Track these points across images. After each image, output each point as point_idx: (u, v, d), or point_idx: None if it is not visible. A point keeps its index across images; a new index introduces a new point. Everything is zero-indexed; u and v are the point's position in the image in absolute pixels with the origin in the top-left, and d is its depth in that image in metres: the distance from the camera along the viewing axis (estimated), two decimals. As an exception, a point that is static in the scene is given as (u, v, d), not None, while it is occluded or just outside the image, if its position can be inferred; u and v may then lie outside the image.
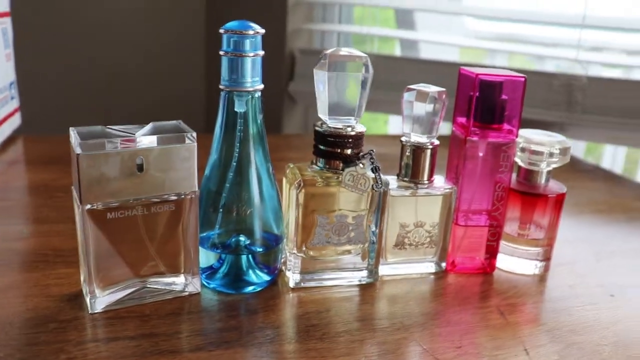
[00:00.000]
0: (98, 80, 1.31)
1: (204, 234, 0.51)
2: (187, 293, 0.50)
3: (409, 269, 0.56)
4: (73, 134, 0.45)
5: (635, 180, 0.98)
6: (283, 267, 0.54)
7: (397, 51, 1.26)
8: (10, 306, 0.47)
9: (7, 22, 0.87)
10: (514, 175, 0.57)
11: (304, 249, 0.51)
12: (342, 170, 0.50)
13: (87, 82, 1.30)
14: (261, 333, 0.46)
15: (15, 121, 0.91)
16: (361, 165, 0.50)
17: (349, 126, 0.50)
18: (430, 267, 0.57)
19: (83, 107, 1.30)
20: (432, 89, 0.52)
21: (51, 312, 0.47)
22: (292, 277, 0.52)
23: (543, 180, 0.56)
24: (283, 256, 0.54)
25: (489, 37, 1.16)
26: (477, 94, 0.52)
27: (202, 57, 1.39)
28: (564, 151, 0.55)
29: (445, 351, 0.45)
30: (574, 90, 0.97)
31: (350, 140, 0.50)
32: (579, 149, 1.11)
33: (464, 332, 0.47)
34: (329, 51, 0.49)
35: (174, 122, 0.49)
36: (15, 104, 0.90)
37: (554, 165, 0.56)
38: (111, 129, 0.46)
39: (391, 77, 1.06)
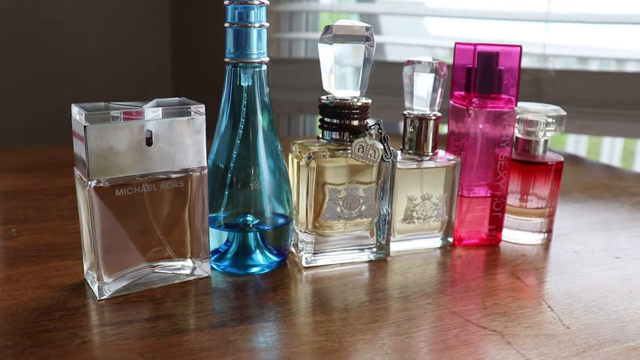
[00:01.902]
0: (62, 81, 1.29)
1: (212, 215, 0.49)
2: (196, 276, 0.48)
3: (416, 244, 0.56)
4: (76, 109, 0.43)
5: (610, 164, 1.02)
6: (293, 249, 0.53)
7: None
8: (10, 298, 0.44)
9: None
10: (511, 148, 0.58)
11: (316, 225, 0.50)
12: (350, 141, 0.49)
13: (52, 86, 1.27)
14: (282, 308, 0.44)
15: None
16: (369, 135, 0.49)
17: (354, 97, 0.50)
18: (437, 242, 0.56)
19: (50, 114, 1.27)
20: (432, 60, 0.52)
21: (56, 302, 0.44)
22: (304, 256, 0.51)
23: (541, 151, 0.57)
24: (292, 239, 0.52)
25: (451, 37, 1.19)
26: (476, 64, 0.53)
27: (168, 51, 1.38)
28: (560, 119, 0.56)
29: (471, 313, 0.44)
30: (543, 84, 1.00)
31: (356, 111, 0.49)
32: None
33: (485, 295, 0.47)
34: (332, 24, 0.49)
35: (176, 98, 0.47)
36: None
37: (550, 134, 0.57)
38: (115, 104, 0.45)
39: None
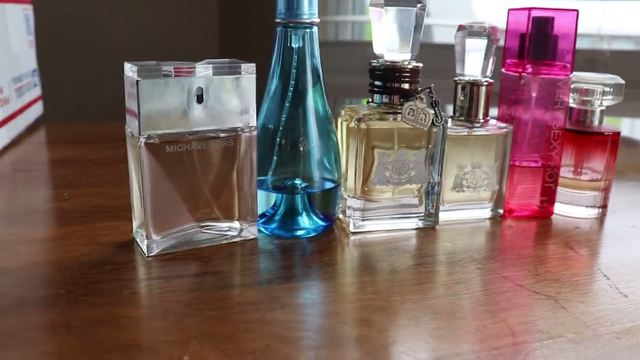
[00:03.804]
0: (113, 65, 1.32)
1: (260, 178, 0.49)
2: (243, 238, 0.48)
3: (466, 214, 0.54)
4: (129, 66, 0.43)
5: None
6: (341, 216, 0.53)
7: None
8: (64, 252, 0.45)
9: (30, 8, 0.86)
10: (566, 118, 0.56)
11: (365, 189, 0.49)
12: (401, 105, 0.48)
13: (105, 67, 1.30)
14: (330, 268, 0.44)
15: (38, 109, 0.89)
16: (420, 99, 0.49)
17: (405, 60, 0.49)
18: (487, 213, 0.55)
19: (103, 95, 1.29)
20: (485, 24, 0.51)
21: (106, 257, 0.44)
22: (352, 221, 0.50)
23: (597, 121, 0.55)
24: (340, 205, 0.52)
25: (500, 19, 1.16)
26: (530, 30, 0.52)
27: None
28: (618, 88, 0.54)
29: (523, 279, 0.43)
30: (596, 65, 0.97)
31: (407, 73, 0.49)
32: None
33: (537, 263, 0.46)
34: (383, -15, 0.48)
35: (227, 59, 0.47)
36: (38, 91, 0.89)
37: (607, 104, 0.55)
38: (166, 62, 0.45)
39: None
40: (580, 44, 1.03)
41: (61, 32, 1.25)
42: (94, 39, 1.29)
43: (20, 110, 0.79)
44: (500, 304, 0.39)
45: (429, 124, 0.48)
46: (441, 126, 0.49)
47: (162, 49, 1.35)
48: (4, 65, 0.73)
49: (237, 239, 0.48)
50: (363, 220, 0.50)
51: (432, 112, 0.48)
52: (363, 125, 0.47)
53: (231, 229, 0.48)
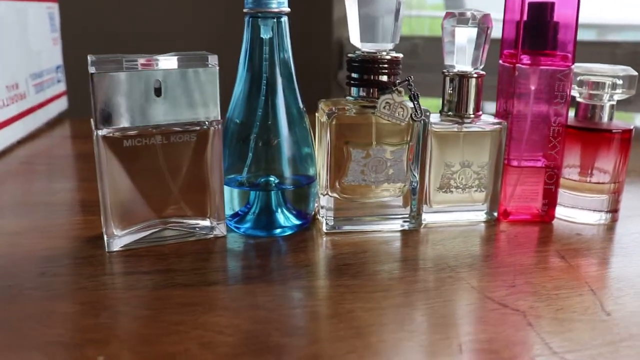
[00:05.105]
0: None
1: (233, 175, 0.47)
2: (212, 236, 0.47)
3: (457, 216, 0.51)
4: (90, 59, 0.42)
5: None
6: (317, 215, 0.50)
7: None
8: (27, 245, 0.45)
9: (55, 7, 0.88)
10: (571, 114, 0.51)
11: (337, 186, 0.47)
12: (378, 98, 0.46)
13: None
14: (288, 271, 0.41)
15: (62, 104, 0.91)
16: (398, 92, 0.45)
17: (383, 51, 0.46)
18: (481, 215, 0.51)
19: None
20: (475, 12, 0.47)
21: (68, 251, 0.44)
22: (325, 220, 0.48)
23: (606, 117, 0.50)
24: (316, 204, 0.49)
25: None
26: (526, 16, 0.47)
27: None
28: (629, 81, 0.49)
29: (495, 290, 0.39)
30: (641, 58, 0.89)
31: (385, 65, 0.45)
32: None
33: (518, 273, 0.42)
34: (360, -28, 0.45)
35: (197, 52, 0.46)
36: (62, 87, 0.91)
37: (618, 98, 0.49)
38: (132, 55, 0.44)
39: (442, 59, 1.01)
40: (624, 37, 0.95)
41: (90, 29, 1.28)
42: (126, 37, 1.31)
43: (40, 105, 0.80)
44: (457, 317, 0.36)
45: (407, 119, 0.45)
46: (421, 121, 0.46)
47: (192, 47, 1.35)
48: (21, 62, 0.75)
49: (206, 237, 0.47)
50: (338, 220, 0.48)
51: (411, 106, 0.45)
52: (334, 121, 0.45)
53: (200, 226, 0.46)
